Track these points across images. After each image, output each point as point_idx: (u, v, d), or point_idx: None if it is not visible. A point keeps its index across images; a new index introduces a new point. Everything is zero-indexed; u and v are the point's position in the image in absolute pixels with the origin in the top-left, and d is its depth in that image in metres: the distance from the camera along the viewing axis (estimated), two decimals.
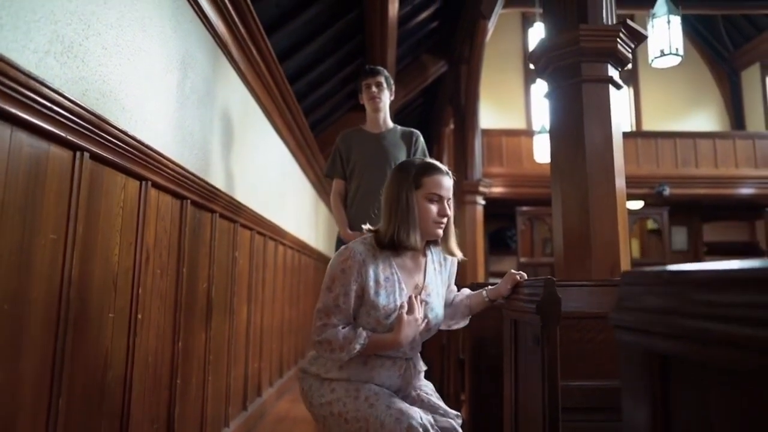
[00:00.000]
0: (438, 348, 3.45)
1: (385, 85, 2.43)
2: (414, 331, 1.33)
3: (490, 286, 1.57)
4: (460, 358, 3.02)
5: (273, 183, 3.62)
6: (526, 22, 10.09)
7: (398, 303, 1.34)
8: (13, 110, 1.05)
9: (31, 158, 1.13)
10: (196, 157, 2.11)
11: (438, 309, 1.45)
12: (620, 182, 2.28)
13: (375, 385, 1.34)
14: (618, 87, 2.34)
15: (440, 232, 1.39)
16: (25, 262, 1.11)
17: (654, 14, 4.18)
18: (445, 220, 1.38)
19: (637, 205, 8.72)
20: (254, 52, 2.76)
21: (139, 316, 1.60)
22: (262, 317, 3.26)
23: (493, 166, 8.17)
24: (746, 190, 8.41)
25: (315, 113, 4.99)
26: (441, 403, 1.45)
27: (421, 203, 1.35)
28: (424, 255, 1.45)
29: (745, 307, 0.64)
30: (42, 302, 1.17)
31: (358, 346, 1.29)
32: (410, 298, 1.34)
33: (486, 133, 7.95)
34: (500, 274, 9.59)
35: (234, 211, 2.57)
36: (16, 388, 1.10)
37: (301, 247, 4.59)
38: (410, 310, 1.32)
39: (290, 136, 4.02)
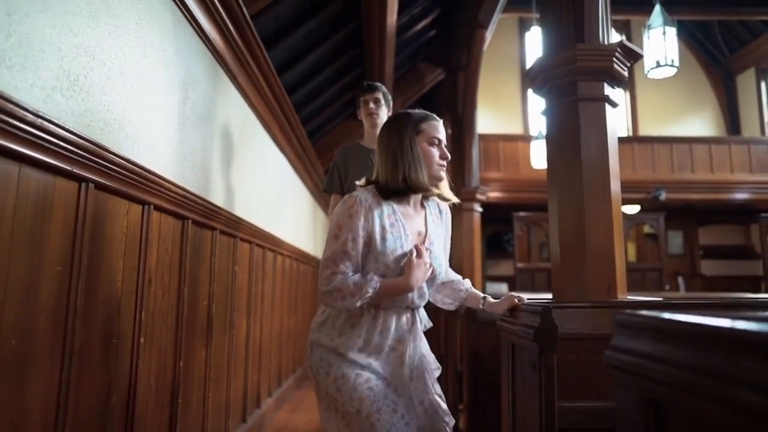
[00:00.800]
0: (437, 358, 3.48)
1: (383, 101, 2.45)
2: (424, 274, 1.35)
3: (489, 296, 1.61)
4: (458, 370, 3.05)
5: (272, 195, 3.64)
6: (523, 26, 10.13)
7: (404, 247, 1.37)
8: (21, 149, 1.07)
9: (38, 193, 1.15)
10: (197, 176, 2.13)
11: (441, 258, 1.47)
12: (616, 196, 2.31)
13: (381, 394, 1.33)
14: (614, 105, 2.37)
15: (444, 174, 1.45)
16: (33, 296, 1.13)
17: (649, 25, 4.22)
18: (445, 162, 1.45)
19: (633, 209, 8.77)
20: (254, 67, 2.78)
21: (142, 340, 1.62)
22: (261, 328, 3.28)
23: (490, 171, 8.20)
24: (741, 195, 8.47)
25: (313, 122, 5.01)
26: (440, 402, 1.47)
27: (424, 147, 1.41)
28: (423, 207, 1.50)
29: (736, 369, 0.67)
30: (48, 334, 1.19)
31: (370, 290, 1.30)
32: (417, 245, 1.38)
33: (483, 138, 7.97)
34: (497, 278, 9.65)
35: (234, 227, 2.59)
36: (23, 419, 1.11)
37: (300, 256, 4.61)
38: (419, 255, 1.35)
39: (289, 146, 4.04)
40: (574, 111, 2.32)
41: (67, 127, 1.20)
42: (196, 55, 2.13)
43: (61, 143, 1.18)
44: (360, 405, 1.31)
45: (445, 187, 1.51)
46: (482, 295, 1.61)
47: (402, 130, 1.40)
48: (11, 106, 1.02)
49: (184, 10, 1.96)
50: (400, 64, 5.63)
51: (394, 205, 1.40)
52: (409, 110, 1.47)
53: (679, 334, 0.76)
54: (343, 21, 4.01)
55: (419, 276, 1.34)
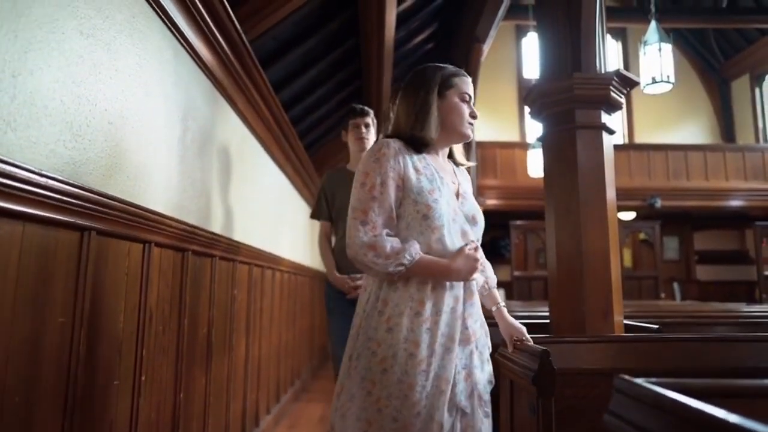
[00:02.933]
0: None
1: (372, 126, 2.46)
2: (469, 269, 1.27)
3: (505, 307, 1.57)
4: None
5: (271, 213, 3.65)
6: (520, 32, 10.15)
7: (441, 190, 1.29)
8: (26, 209, 1.08)
9: (41, 248, 1.16)
10: (197, 206, 2.14)
11: (475, 206, 1.41)
12: (613, 220, 2.34)
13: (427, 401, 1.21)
14: (611, 132, 2.40)
15: (471, 133, 1.41)
16: (36, 351, 1.14)
17: (645, 41, 4.25)
18: (474, 121, 1.41)
19: (629, 215, 8.82)
20: (252, 90, 2.78)
21: (143, 378, 1.63)
22: (259, 346, 3.29)
23: (487, 178, 8.23)
24: (736, 203, 8.52)
25: (310, 135, 5.02)
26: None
27: (455, 102, 1.36)
28: (449, 162, 1.47)
29: None
30: (51, 387, 1.19)
31: (407, 258, 1.19)
32: (476, 244, 1.32)
33: (480, 145, 8.00)
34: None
35: (233, 251, 2.60)
36: None
37: (298, 269, 4.62)
38: (474, 249, 1.29)
39: (287, 162, 4.05)
40: (572, 139, 2.35)
41: (69, 181, 1.21)
42: (196, 84, 2.14)
43: (64, 197, 1.19)
44: (416, 349, 1.20)
45: (458, 151, 1.48)
46: (499, 301, 1.56)
47: (428, 83, 1.35)
48: (15, 169, 1.03)
49: (184, 43, 1.97)
50: (398, 77, 5.65)
51: (425, 155, 1.35)
52: (440, 64, 1.42)
53: (672, 413, 0.78)
54: (341, 38, 4.02)
55: (462, 267, 1.25)
